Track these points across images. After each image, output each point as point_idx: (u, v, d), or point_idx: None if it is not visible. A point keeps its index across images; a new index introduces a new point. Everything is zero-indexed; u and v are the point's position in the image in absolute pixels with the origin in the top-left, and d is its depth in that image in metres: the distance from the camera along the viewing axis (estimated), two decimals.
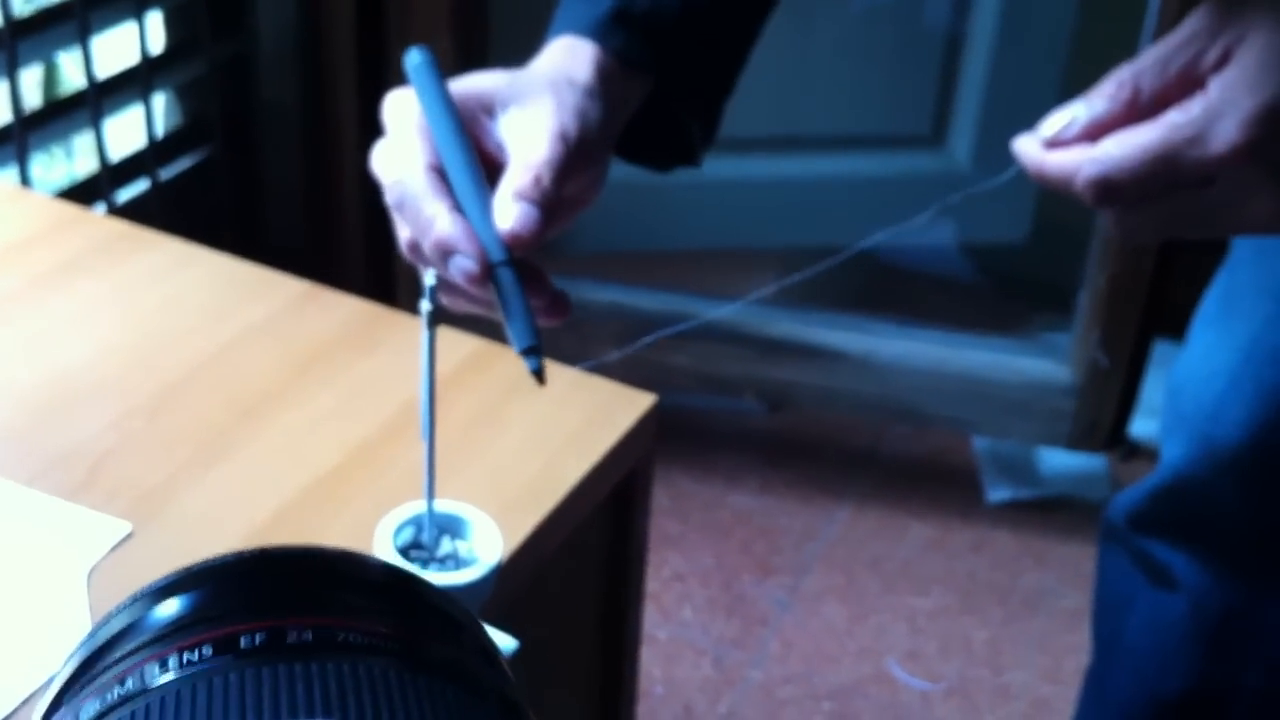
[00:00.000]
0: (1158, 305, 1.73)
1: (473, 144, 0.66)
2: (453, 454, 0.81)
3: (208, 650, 0.28)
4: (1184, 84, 0.60)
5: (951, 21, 2.02)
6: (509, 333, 0.64)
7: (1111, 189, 0.60)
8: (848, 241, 0.77)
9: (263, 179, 1.76)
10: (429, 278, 0.64)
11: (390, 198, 0.66)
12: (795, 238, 2.04)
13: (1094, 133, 0.62)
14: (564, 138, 0.66)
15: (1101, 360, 1.72)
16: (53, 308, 0.92)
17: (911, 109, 2.09)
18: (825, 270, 0.76)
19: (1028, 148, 0.64)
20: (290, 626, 0.28)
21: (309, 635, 0.28)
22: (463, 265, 0.63)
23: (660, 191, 1.72)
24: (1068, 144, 0.63)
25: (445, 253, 0.63)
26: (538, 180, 0.64)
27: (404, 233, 0.67)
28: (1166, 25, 1.56)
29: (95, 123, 1.49)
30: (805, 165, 2.08)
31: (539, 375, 0.64)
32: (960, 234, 2.18)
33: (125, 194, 1.57)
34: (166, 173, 1.62)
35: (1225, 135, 0.58)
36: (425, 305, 0.64)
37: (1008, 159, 0.66)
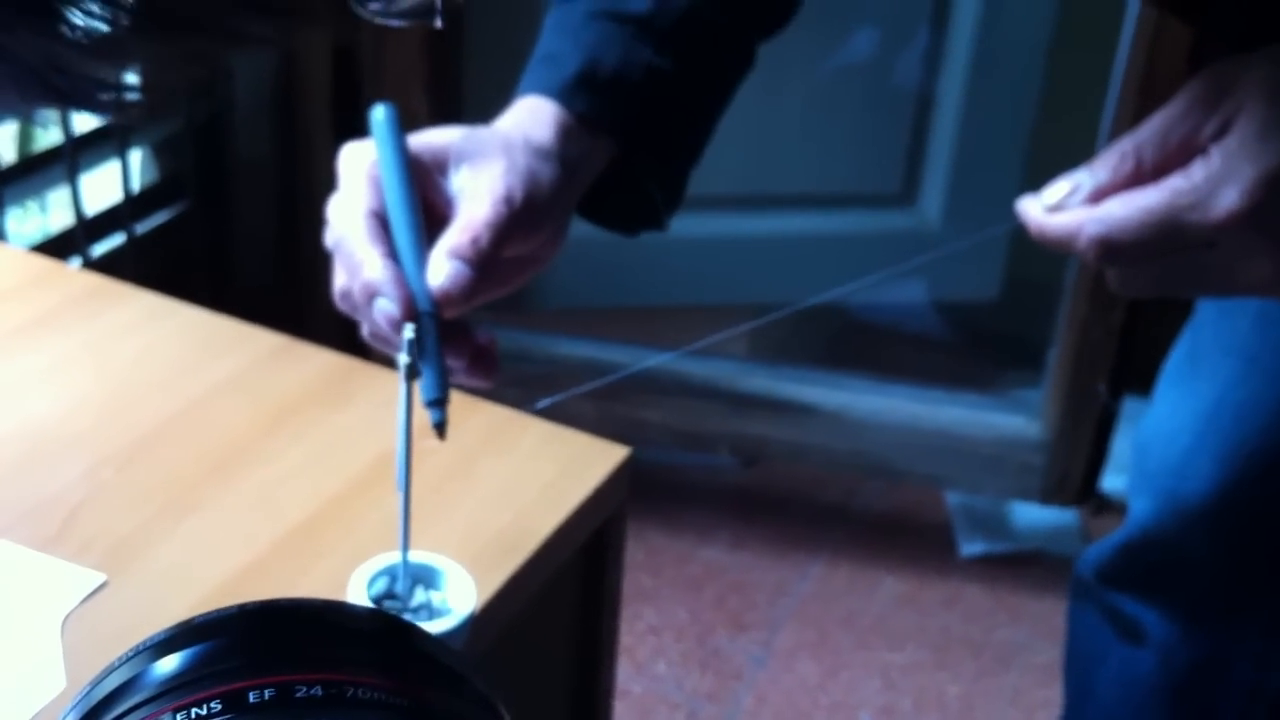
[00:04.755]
0: (1127, 361, 1.75)
1: (421, 197, 0.68)
2: (426, 505, 0.81)
3: (216, 705, 0.27)
4: (1184, 154, 0.61)
5: (921, 81, 2.05)
6: (421, 383, 0.65)
7: (1113, 248, 0.61)
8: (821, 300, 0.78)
9: (237, 234, 1.76)
10: (408, 331, 0.65)
11: (329, 240, 0.68)
12: (767, 295, 2.05)
13: (1096, 201, 0.63)
14: (509, 200, 0.67)
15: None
16: (26, 361, 0.92)
17: (882, 168, 2.11)
18: (767, 324, 0.77)
19: (1030, 209, 0.65)
20: (299, 682, 0.28)
21: (318, 690, 0.28)
22: (385, 310, 0.64)
23: (632, 248, 1.72)
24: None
25: (371, 295, 0.65)
26: (475, 241, 0.65)
27: (339, 278, 0.68)
28: (1132, 86, 1.58)
29: (72, 178, 1.49)
30: (777, 223, 2.10)
31: (440, 429, 0.65)
32: (932, 292, 2.19)
33: (100, 248, 1.57)
34: (142, 227, 1.62)
35: (1227, 201, 0.59)
36: (403, 358, 0.64)
37: (978, 218, 0.67)
